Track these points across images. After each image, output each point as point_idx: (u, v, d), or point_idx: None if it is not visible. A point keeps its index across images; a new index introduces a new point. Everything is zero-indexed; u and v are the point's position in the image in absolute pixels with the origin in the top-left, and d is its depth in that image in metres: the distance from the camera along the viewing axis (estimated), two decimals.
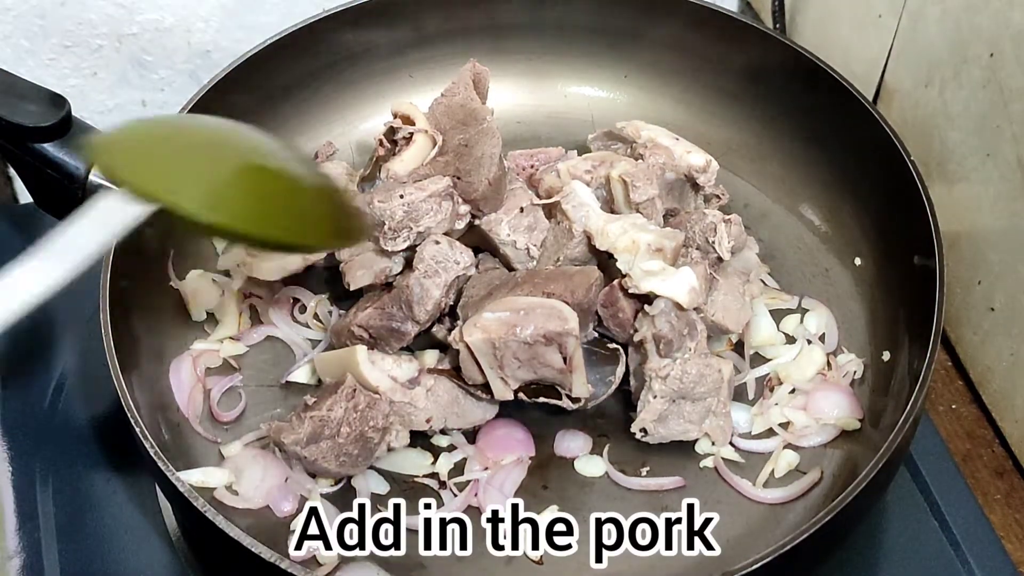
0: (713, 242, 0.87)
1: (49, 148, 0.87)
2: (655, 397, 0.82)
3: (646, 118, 1.05)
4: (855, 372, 0.90)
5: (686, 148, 0.94)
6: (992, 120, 0.86)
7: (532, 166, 0.98)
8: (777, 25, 1.09)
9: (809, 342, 0.92)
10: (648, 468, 0.85)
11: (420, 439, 0.86)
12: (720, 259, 0.87)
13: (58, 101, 0.87)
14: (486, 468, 0.85)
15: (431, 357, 0.87)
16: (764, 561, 0.69)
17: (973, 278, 0.93)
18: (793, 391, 0.89)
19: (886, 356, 0.90)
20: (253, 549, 0.70)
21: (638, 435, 0.84)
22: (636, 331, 0.84)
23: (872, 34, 1.01)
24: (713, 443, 0.85)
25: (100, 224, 0.62)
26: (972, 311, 0.94)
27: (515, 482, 0.84)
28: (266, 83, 1.00)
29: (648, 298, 0.83)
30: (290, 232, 0.66)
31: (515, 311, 0.81)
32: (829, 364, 0.90)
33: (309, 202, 0.68)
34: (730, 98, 1.05)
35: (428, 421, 0.84)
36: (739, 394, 0.89)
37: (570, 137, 1.07)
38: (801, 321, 0.93)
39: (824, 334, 0.92)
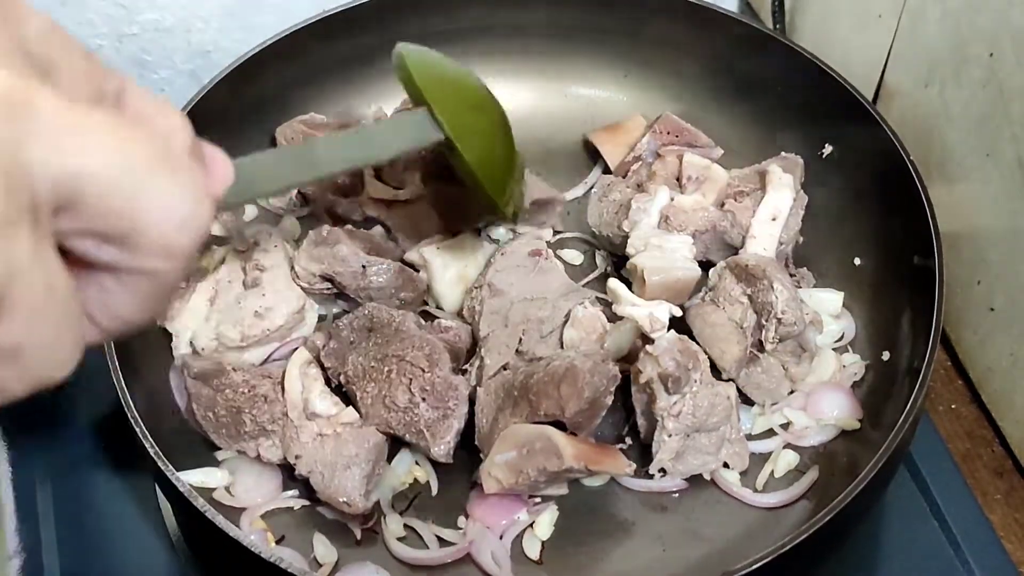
0: (764, 324, 0.85)
1: None
2: (670, 436, 0.81)
3: (646, 118, 1.05)
4: (855, 373, 0.90)
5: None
6: (992, 120, 0.86)
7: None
8: (777, 25, 1.09)
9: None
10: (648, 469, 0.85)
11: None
12: (762, 344, 0.86)
13: None
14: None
15: (349, 415, 0.83)
16: (764, 561, 0.69)
17: (973, 278, 0.93)
18: (792, 392, 0.89)
19: (886, 356, 0.90)
20: (253, 549, 0.70)
21: (657, 476, 0.83)
22: (641, 372, 0.81)
23: (872, 34, 1.01)
24: (733, 468, 0.84)
25: (405, 133, 0.75)
26: (972, 311, 0.94)
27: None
28: (266, 83, 1.00)
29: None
30: (498, 193, 0.81)
31: (519, 449, 0.79)
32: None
33: (516, 175, 0.84)
34: (730, 98, 1.05)
35: (297, 458, 0.82)
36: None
37: (570, 137, 1.08)
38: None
39: (843, 335, 0.93)
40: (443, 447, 0.82)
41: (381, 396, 0.83)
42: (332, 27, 1.02)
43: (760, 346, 0.86)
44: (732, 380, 0.85)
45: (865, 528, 0.87)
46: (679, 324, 0.87)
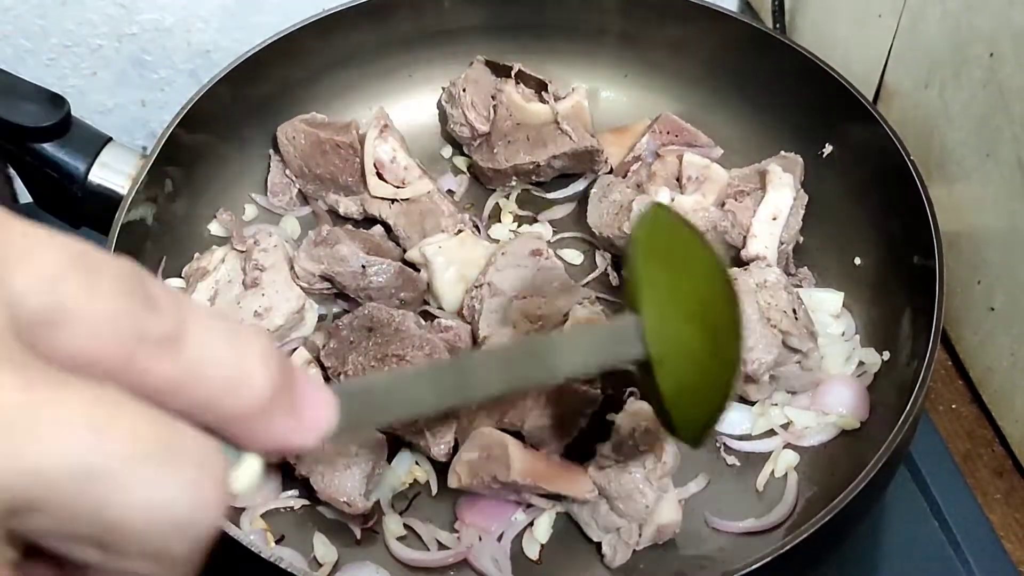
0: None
1: (49, 148, 0.87)
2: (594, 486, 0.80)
3: (646, 118, 1.05)
4: (866, 369, 0.89)
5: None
6: (992, 120, 0.86)
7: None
8: (777, 25, 1.09)
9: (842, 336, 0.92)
10: None
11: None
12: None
13: (58, 101, 0.87)
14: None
15: None
16: (764, 561, 0.69)
17: (973, 278, 0.93)
18: (795, 392, 0.89)
19: (886, 356, 0.90)
20: (253, 549, 0.70)
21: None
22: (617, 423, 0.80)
23: (872, 34, 1.01)
24: (604, 556, 0.81)
25: (595, 351, 0.53)
26: (972, 311, 0.94)
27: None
28: (266, 83, 1.00)
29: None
30: (684, 426, 0.59)
31: (480, 452, 0.79)
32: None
33: (716, 412, 0.59)
34: (730, 98, 1.05)
35: (296, 458, 0.81)
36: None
37: None
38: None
39: (844, 335, 0.93)
40: (443, 447, 0.82)
41: None
42: (332, 27, 1.02)
43: None
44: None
45: (865, 528, 0.87)
46: None
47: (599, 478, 0.79)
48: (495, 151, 1.01)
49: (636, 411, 0.80)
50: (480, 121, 1.02)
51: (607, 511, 0.80)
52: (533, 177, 1.02)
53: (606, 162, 1.02)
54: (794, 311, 0.85)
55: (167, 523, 0.29)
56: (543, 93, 1.02)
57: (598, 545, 0.81)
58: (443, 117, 1.06)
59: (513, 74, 1.03)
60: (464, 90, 1.02)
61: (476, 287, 0.91)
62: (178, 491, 0.29)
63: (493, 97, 1.02)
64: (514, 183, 1.03)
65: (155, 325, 0.30)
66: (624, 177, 1.00)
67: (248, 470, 0.35)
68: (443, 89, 1.05)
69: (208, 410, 0.32)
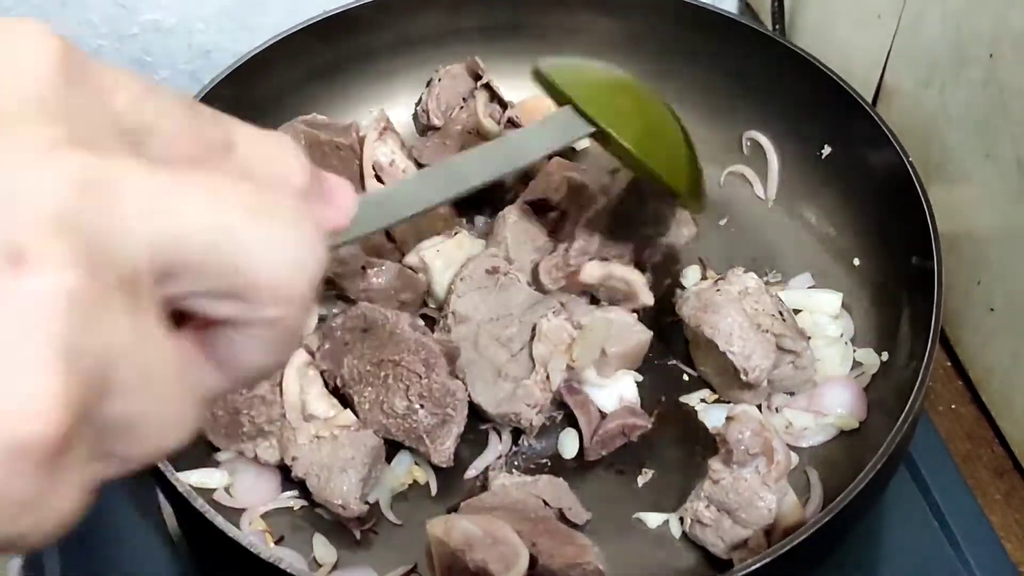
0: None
1: None
2: (704, 496, 0.80)
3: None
4: (864, 369, 0.90)
5: None
6: (992, 120, 0.86)
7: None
8: (776, 26, 1.09)
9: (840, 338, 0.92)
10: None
11: None
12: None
13: None
14: None
15: (346, 418, 0.83)
16: (764, 561, 0.69)
17: (973, 278, 0.93)
18: (793, 393, 0.89)
19: (886, 356, 0.90)
20: (252, 550, 0.70)
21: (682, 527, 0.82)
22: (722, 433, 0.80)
23: (872, 34, 1.01)
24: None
25: (552, 132, 0.73)
26: (972, 311, 0.94)
27: None
28: (267, 84, 1.00)
29: None
30: (669, 173, 0.80)
31: (484, 532, 0.75)
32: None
33: (686, 156, 0.82)
34: (729, 99, 1.05)
35: (294, 459, 0.81)
36: None
37: None
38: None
39: (843, 335, 0.93)
40: (444, 453, 0.82)
41: (379, 402, 0.83)
42: (333, 28, 1.02)
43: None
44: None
45: (865, 528, 0.87)
46: None
47: (716, 493, 0.79)
48: (427, 145, 1.02)
49: (737, 416, 0.79)
50: (436, 115, 1.03)
51: (731, 525, 0.79)
52: None
53: (513, 198, 0.99)
54: (780, 313, 0.85)
55: (286, 264, 0.34)
56: (505, 112, 1.03)
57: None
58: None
59: (480, 84, 1.03)
60: (439, 80, 1.03)
61: (443, 317, 0.90)
62: (288, 238, 0.34)
63: (465, 99, 1.03)
64: None
65: (212, 132, 0.37)
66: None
67: None
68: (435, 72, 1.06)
69: None
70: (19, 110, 0.31)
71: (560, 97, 0.77)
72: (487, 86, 1.03)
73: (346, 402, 0.85)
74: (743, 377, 0.83)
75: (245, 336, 0.35)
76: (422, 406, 0.82)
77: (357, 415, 0.83)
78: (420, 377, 0.82)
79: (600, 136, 0.76)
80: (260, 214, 0.34)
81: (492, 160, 0.65)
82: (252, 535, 0.81)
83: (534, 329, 0.86)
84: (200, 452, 0.86)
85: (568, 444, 0.87)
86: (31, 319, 0.29)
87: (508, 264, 0.91)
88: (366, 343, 0.85)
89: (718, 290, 0.86)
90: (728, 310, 0.84)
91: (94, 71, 0.34)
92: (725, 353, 0.83)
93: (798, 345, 0.84)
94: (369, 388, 0.83)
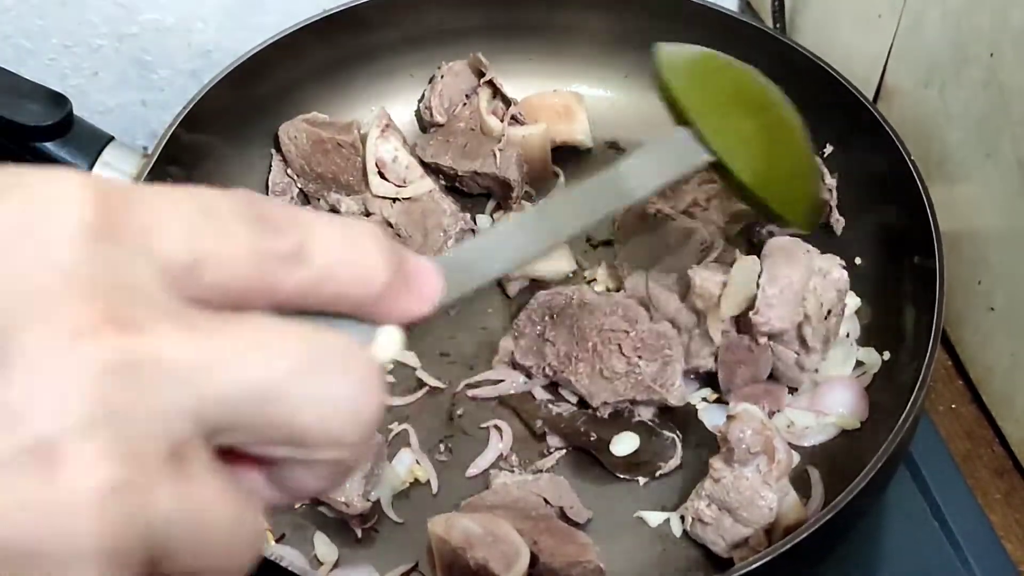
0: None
1: (51, 147, 0.87)
2: (705, 495, 0.80)
3: (646, 118, 1.05)
4: (866, 369, 0.89)
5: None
6: (992, 120, 0.86)
7: None
8: (777, 25, 1.09)
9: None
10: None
11: None
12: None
13: (60, 101, 0.87)
14: None
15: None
16: (765, 559, 0.69)
17: (973, 278, 0.93)
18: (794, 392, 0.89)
19: (886, 356, 0.90)
20: None
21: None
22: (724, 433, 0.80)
23: (872, 34, 1.01)
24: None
25: (664, 162, 0.59)
26: (972, 311, 0.94)
27: None
28: (267, 83, 1.00)
29: None
30: (789, 206, 0.67)
31: (485, 530, 0.75)
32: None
33: (807, 175, 0.70)
34: None
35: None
36: None
37: None
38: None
39: (848, 331, 0.92)
40: (677, 392, 0.83)
41: (597, 371, 0.83)
42: (333, 26, 1.02)
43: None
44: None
45: (865, 528, 0.87)
46: None
47: (717, 492, 0.79)
48: (430, 142, 1.02)
49: (738, 415, 0.79)
50: (439, 112, 1.03)
51: (732, 524, 0.79)
52: (457, 184, 1.02)
53: (520, 201, 1.01)
54: (830, 311, 0.85)
55: (339, 414, 0.33)
56: (508, 109, 1.03)
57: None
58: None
59: (483, 81, 1.03)
60: (442, 77, 1.03)
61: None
62: (341, 385, 0.33)
63: (468, 96, 1.03)
64: (442, 181, 1.02)
65: (281, 245, 0.34)
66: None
67: (388, 340, 0.39)
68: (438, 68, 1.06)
69: (339, 303, 0.36)
70: (49, 284, 0.30)
71: (677, 110, 0.64)
72: (490, 83, 1.03)
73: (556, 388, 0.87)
74: (752, 315, 0.82)
75: (301, 470, 0.35)
76: (640, 356, 0.83)
77: (580, 394, 0.85)
78: (627, 332, 0.83)
79: (716, 167, 0.63)
80: (309, 366, 0.33)
81: (597, 199, 0.55)
82: None
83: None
84: None
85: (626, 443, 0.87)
86: (72, 521, 0.28)
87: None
88: (560, 326, 0.85)
89: (807, 250, 0.86)
90: (799, 268, 0.83)
91: (137, 213, 0.32)
92: (756, 285, 0.82)
93: (815, 343, 0.84)
94: (582, 364, 0.84)
